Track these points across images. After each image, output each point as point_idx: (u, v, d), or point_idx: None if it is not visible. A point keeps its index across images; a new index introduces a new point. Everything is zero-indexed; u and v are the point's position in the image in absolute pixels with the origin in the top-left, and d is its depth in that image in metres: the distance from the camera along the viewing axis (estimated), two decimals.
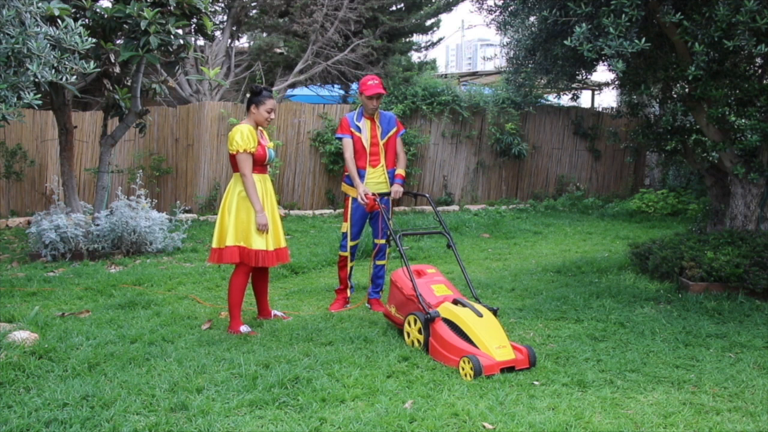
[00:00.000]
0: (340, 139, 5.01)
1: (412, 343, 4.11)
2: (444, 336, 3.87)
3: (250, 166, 4.30)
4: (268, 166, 4.59)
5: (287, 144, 11.38)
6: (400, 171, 5.09)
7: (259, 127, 4.49)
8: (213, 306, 5.19)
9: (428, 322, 3.96)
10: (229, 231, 4.30)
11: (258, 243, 4.31)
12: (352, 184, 4.99)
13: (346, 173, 5.03)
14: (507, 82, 8.94)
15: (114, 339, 4.16)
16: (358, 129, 4.97)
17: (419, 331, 4.03)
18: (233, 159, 4.33)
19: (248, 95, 4.44)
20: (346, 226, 5.08)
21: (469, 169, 12.35)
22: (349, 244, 5.08)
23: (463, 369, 3.65)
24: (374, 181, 5.01)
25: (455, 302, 4.08)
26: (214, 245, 4.40)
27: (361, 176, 4.96)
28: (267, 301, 4.80)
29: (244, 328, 4.41)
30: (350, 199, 5.04)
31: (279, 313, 4.84)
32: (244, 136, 4.28)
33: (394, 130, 5.06)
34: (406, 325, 4.18)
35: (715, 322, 4.68)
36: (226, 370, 3.65)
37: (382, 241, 5.06)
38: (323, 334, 4.34)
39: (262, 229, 4.29)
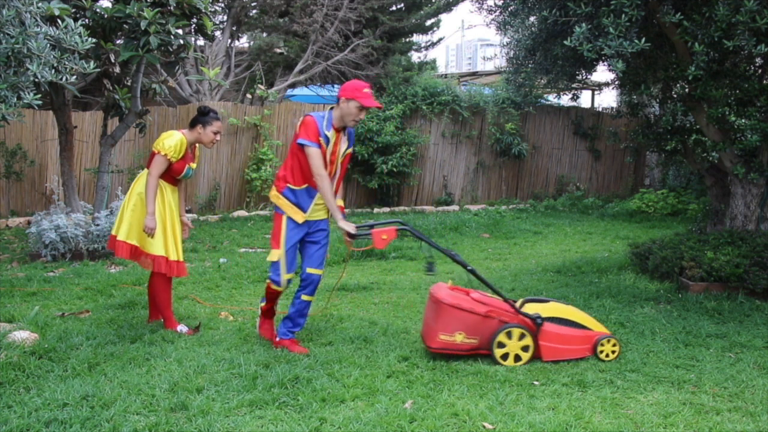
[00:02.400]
0: (303, 146, 3.87)
1: (512, 357, 3.81)
2: (560, 332, 3.85)
3: (160, 171, 4.26)
4: (181, 181, 4.52)
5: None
6: (341, 202, 4.13)
7: (198, 144, 4.50)
8: (213, 306, 5.19)
9: (539, 326, 3.85)
10: (123, 224, 4.31)
11: (158, 249, 4.27)
12: (293, 200, 3.96)
13: (287, 184, 3.96)
14: (507, 82, 8.94)
15: (114, 339, 4.16)
16: (327, 140, 3.91)
17: (523, 342, 3.81)
18: (152, 156, 4.30)
19: (196, 114, 4.39)
20: (277, 254, 3.98)
21: (469, 169, 12.35)
22: (285, 277, 4.01)
23: (602, 350, 3.83)
24: (320, 204, 4.02)
25: (526, 302, 4.04)
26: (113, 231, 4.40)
27: (312, 195, 3.97)
28: (166, 309, 4.47)
29: (182, 328, 4.39)
30: (284, 218, 3.97)
31: (183, 329, 4.43)
32: (174, 143, 4.26)
33: (351, 148, 4.11)
34: (499, 342, 3.80)
35: (715, 322, 4.68)
36: (226, 370, 3.65)
37: (319, 272, 4.10)
38: (323, 334, 4.35)
39: (149, 232, 4.22)
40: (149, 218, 4.23)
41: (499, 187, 12.60)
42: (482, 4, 6.63)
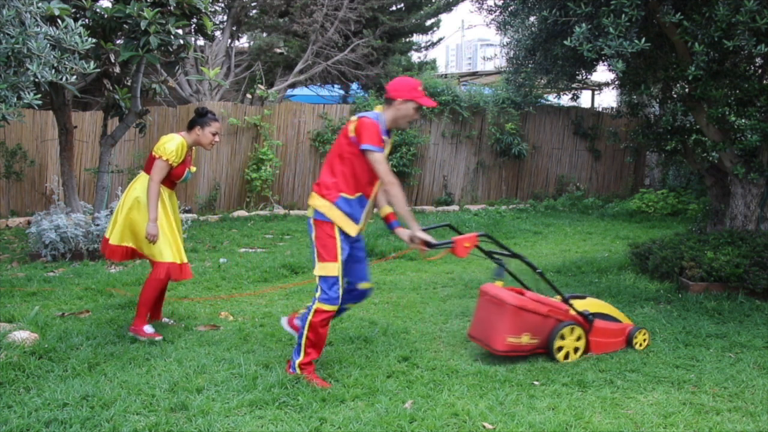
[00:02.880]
0: (368, 151, 3.41)
1: (566, 355, 3.91)
2: (604, 327, 4.06)
3: (162, 177, 4.18)
4: (177, 184, 4.47)
5: (287, 144, 11.39)
6: (390, 209, 3.81)
7: (194, 147, 4.44)
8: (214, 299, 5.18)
9: (591, 323, 4.01)
10: (116, 228, 4.24)
11: (167, 255, 4.20)
12: (348, 211, 3.51)
13: (340, 194, 3.50)
14: (507, 82, 8.95)
15: (114, 339, 4.16)
16: (386, 144, 3.54)
17: (577, 339, 3.96)
18: (151, 161, 4.21)
19: (193, 115, 4.33)
20: (336, 267, 3.48)
21: (469, 169, 12.35)
22: (340, 293, 3.51)
23: (636, 341, 4.12)
24: (367, 214, 3.65)
25: (570, 298, 4.14)
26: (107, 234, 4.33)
27: (363, 205, 3.57)
28: (144, 306, 4.32)
29: (148, 329, 4.25)
30: (336, 228, 3.50)
31: (149, 330, 4.29)
32: (175, 147, 4.18)
33: None
34: (558, 341, 3.88)
35: (715, 322, 4.68)
36: (226, 370, 3.65)
37: (371, 285, 3.85)
38: None
39: (151, 239, 4.14)
40: (151, 225, 4.13)
41: (499, 187, 12.60)
42: (482, 4, 6.63)
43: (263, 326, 4.55)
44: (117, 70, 7.24)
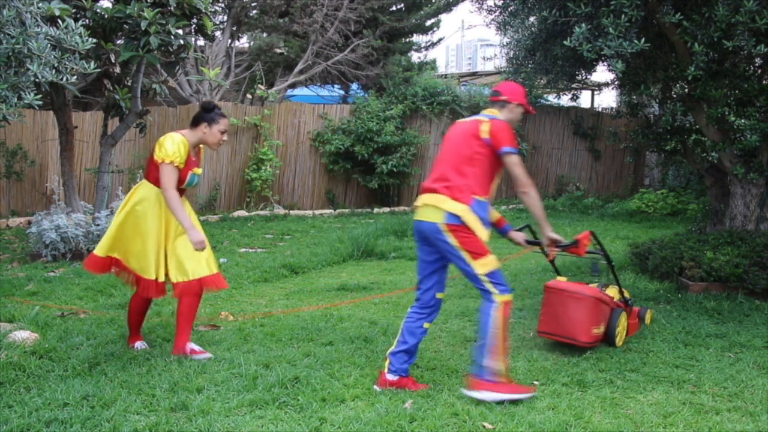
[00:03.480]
0: (511, 153, 3.35)
1: (620, 339, 4.21)
2: (634, 310, 4.48)
3: (174, 182, 3.68)
4: (186, 190, 3.99)
5: (287, 144, 11.39)
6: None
7: (200, 146, 3.97)
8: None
9: (631, 307, 4.39)
10: (105, 239, 3.83)
11: (149, 272, 3.76)
12: (481, 215, 3.39)
13: (474, 196, 3.35)
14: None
15: (114, 339, 4.17)
16: None
17: (623, 324, 4.26)
18: (153, 167, 3.75)
19: (198, 111, 3.89)
20: (492, 260, 3.38)
21: None
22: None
23: (647, 318, 4.61)
24: None
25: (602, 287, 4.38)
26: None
27: (487, 210, 3.47)
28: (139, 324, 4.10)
29: (139, 345, 3.96)
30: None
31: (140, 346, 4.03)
32: (175, 146, 3.69)
33: None
34: (618, 328, 4.14)
35: (714, 322, 4.69)
36: (226, 370, 3.65)
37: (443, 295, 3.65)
38: (323, 334, 4.35)
39: (199, 246, 3.66)
40: (191, 233, 3.65)
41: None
42: (482, 4, 6.64)
43: (263, 326, 4.56)
44: (117, 70, 7.25)
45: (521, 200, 3.52)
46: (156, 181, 3.76)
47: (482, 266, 3.33)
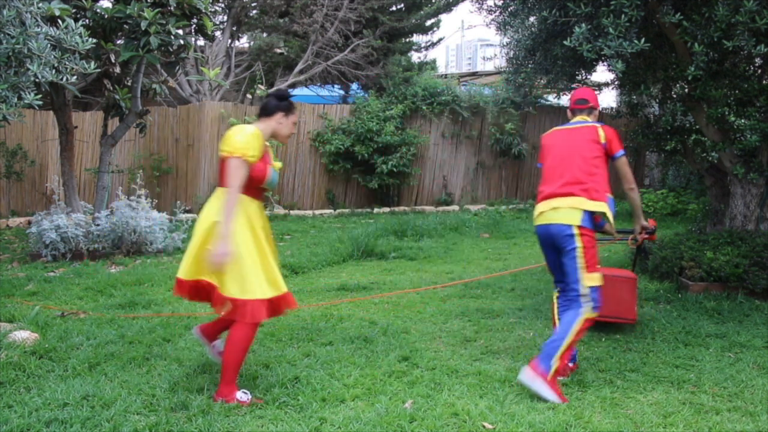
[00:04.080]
0: (624, 155, 3.69)
1: None
2: None
3: (241, 180, 3.15)
4: (264, 191, 3.47)
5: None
6: None
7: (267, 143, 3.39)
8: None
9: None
10: (188, 259, 3.25)
11: (255, 291, 3.17)
12: (614, 213, 3.60)
13: (608, 194, 3.55)
14: (507, 82, 8.94)
15: (114, 339, 4.17)
16: None
17: None
18: (223, 166, 3.21)
19: (271, 99, 3.42)
20: (600, 277, 3.50)
21: (469, 169, 12.36)
22: None
23: None
24: None
25: None
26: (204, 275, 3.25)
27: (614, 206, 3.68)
28: (236, 370, 3.31)
29: (241, 395, 3.26)
30: (595, 236, 3.58)
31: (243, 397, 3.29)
32: (246, 137, 3.17)
33: None
34: None
35: (714, 322, 4.69)
36: None
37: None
38: (323, 334, 4.35)
39: (219, 260, 3.07)
40: (223, 243, 3.06)
41: (499, 187, 12.61)
42: (482, 4, 6.64)
43: (263, 326, 4.55)
44: (117, 70, 7.25)
45: (627, 195, 3.84)
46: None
47: (590, 280, 3.49)
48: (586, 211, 3.47)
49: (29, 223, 8.59)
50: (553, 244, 3.58)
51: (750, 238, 5.56)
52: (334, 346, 4.11)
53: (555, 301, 3.78)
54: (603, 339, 4.31)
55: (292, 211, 10.92)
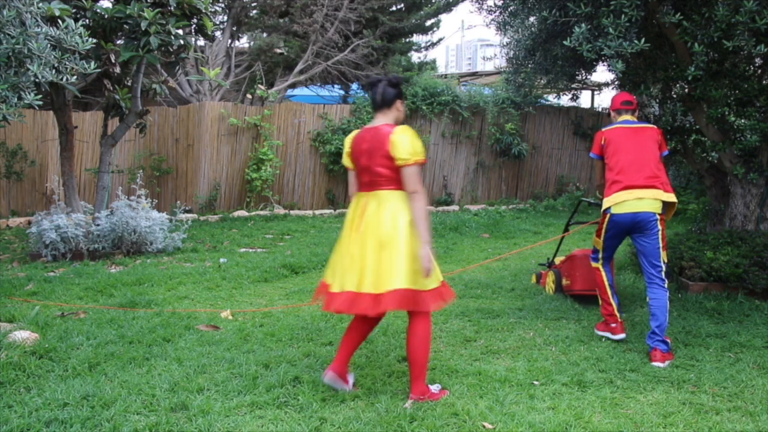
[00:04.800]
0: (668, 154, 4.54)
1: None
2: None
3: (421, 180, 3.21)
4: None
5: (287, 144, 11.39)
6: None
7: None
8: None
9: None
10: (401, 270, 3.10)
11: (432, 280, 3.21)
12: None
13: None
14: (507, 82, 8.95)
15: (114, 339, 4.17)
16: None
17: None
18: (391, 170, 3.18)
19: (388, 88, 3.30)
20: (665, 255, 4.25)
21: (469, 169, 12.36)
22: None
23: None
24: None
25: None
26: (355, 288, 3.16)
27: None
28: (425, 366, 3.32)
29: (435, 389, 3.36)
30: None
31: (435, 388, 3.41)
32: (417, 142, 3.18)
33: None
34: None
35: (714, 322, 4.69)
36: (226, 370, 3.66)
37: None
38: (323, 334, 4.35)
39: (430, 266, 3.12)
40: (427, 247, 3.12)
41: (499, 187, 12.61)
42: (482, 4, 6.63)
43: (263, 326, 4.56)
44: (117, 70, 7.25)
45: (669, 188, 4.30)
46: (364, 186, 3.29)
47: (665, 256, 4.13)
48: (663, 202, 4.14)
49: (29, 223, 8.59)
50: (632, 229, 4.16)
51: (750, 238, 5.56)
52: (334, 346, 4.11)
53: (601, 268, 4.47)
54: (603, 339, 4.31)
55: (292, 211, 10.92)
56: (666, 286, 4.06)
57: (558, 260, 5.71)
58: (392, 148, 3.16)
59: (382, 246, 3.14)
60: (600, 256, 4.47)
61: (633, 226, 4.15)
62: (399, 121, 3.35)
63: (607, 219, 4.26)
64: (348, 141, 3.39)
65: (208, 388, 3.40)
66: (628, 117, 4.46)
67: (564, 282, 5.38)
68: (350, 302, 3.16)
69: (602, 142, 4.45)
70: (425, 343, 3.24)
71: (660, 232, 4.12)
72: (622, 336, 4.26)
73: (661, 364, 3.83)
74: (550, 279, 5.63)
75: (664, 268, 4.10)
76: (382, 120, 3.31)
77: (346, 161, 3.40)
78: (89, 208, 7.65)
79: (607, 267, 4.49)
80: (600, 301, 4.46)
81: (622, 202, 4.13)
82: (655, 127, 4.34)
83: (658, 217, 4.12)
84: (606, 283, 4.43)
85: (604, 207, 4.28)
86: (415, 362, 3.25)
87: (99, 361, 3.78)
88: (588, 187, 12.94)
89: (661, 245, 4.12)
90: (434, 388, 3.38)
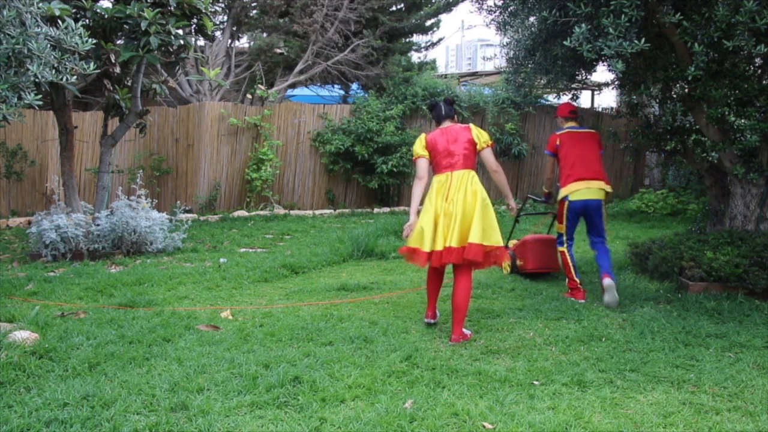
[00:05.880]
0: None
1: None
2: None
3: None
4: None
5: (287, 144, 11.40)
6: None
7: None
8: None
9: None
10: (477, 230, 4.16)
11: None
12: None
13: None
14: (507, 82, 8.95)
15: (114, 339, 4.17)
16: None
17: None
18: (471, 153, 4.42)
19: (448, 105, 4.59)
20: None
21: None
22: None
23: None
24: None
25: None
26: (475, 239, 4.15)
27: None
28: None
29: (467, 332, 4.34)
30: None
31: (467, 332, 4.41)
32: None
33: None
34: None
35: (714, 322, 4.68)
36: (226, 370, 3.66)
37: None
38: (323, 334, 4.35)
39: (515, 208, 4.88)
40: (513, 202, 4.76)
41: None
42: (482, 4, 6.63)
43: (263, 326, 4.56)
44: (117, 70, 7.25)
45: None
46: (443, 168, 4.42)
47: (607, 228, 5.45)
48: (606, 191, 5.32)
49: (29, 223, 8.59)
50: (584, 212, 5.28)
51: (750, 238, 5.56)
52: (334, 346, 4.11)
53: (566, 251, 5.41)
54: (603, 339, 4.31)
55: (292, 211, 10.92)
56: (607, 244, 5.35)
57: (512, 244, 6.49)
58: (475, 136, 4.43)
59: (465, 212, 4.21)
60: (564, 239, 5.40)
61: (585, 209, 5.26)
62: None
63: (566, 206, 5.31)
64: (423, 138, 4.50)
65: (208, 388, 3.40)
66: (573, 123, 5.54)
67: (518, 263, 6.24)
68: (444, 255, 4.19)
69: (557, 143, 5.50)
70: (468, 295, 4.26)
71: (604, 213, 5.33)
72: (583, 301, 5.20)
73: (610, 280, 5.07)
74: (506, 262, 6.10)
75: (606, 237, 5.38)
76: (449, 125, 4.53)
77: (421, 152, 4.47)
78: (89, 208, 7.65)
79: (571, 250, 5.41)
80: (566, 279, 5.43)
81: (576, 191, 5.24)
82: (596, 131, 5.55)
83: (603, 201, 5.28)
84: (570, 264, 5.36)
85: (561, 196, 5.34)
86: (459, 310, 4.23)
87: (99, 361, 3.78)
88: None
89: (604, 221, 5.36)
90: (467, 332, 4.31)
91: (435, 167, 4.46)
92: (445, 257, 4.18)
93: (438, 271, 4.51)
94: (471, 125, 4.49)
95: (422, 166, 4.46)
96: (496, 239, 4.21)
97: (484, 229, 4.16)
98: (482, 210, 4.21)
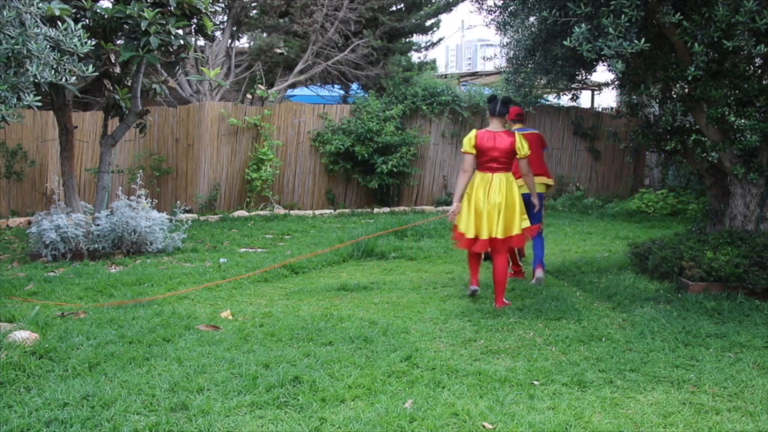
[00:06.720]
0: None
1: None
2: None
3: None
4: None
5: (287, 144, 11.40)
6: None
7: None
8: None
9: None
10: (517, 222, 5.07)
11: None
12: None
13: None
14: (507, 82, 8.96)
15: (114, 339, 4.17)
16: None
17: None
18: (509, 160, 5.09)
19: (503, 105, 5.13)
20: None
21: None
22: None
23: None
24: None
25: None
26: (514, 231, 5.07)
27: None
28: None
29: (506, 301, 5.18)
30: None
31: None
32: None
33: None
34: None
35: (714, 322, 4.68)
36: (226, 370, 3.66)
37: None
38: (323, 334, 4.35)
39: (541, 204, 5.69)
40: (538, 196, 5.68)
41: None
42: (482, 4, 6.64)
43: (263, 326, 4.56)
44: (117, 70, 7.25)
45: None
46: (486, 168, 5.13)
47: (544, 216, 6.26)
48: (549, 185, 6.09)
49: (29, 223, 8.60)
50: (529, 201, 5.55)
51: (750, 238, 5.56)
52: (334, 346, 4.11)
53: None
54: (603, 339, 4.31)
55: (292, 211, 10.92)
56: (543, 234, 5.98)
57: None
58: (517, 147, 5.09)
59: (507, 207, 5.02)
60: None
61: (529, 200, 5.65)
62: (503, 126, 5.21)
63: None
64: (473, 135, 5.10)
65: (208, 388, 3.40)
66: (520, 125, 6.03)
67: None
68: (485, 244, 5.08)
69: None
70: (506, 271, 5.15)
71: (544, 204, 6.17)
72: (522, 278, 6.07)
73: (541, 273, 5.79)
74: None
75: (542, 227, 5.98)
76: (497, 124, 5.14)
77: (469, 149, 5.09)
78: (89, 208, 7.65)
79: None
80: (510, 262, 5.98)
81: (522, 185, 5.59)
82: (540, 132, 6.21)
83: (544, 193, 5.98)
84: (515, 251, 6.12)
85: None
86: (499, 283, 5.09)
87: (99, 361, 3.78)
88: (588, 187, 12.95)
89: (543, 210, 5.94)
90: (507, 301, 5.13)
91: (479, 165, 5.13)
92: (489, 245, 5.07)
93: (478, 253, 5.32)
94: (516, 135, 5.12)
95: (468, 161, 5.12)
96: (526, 223, 5.17)
97: (522, 219, 5.11)
98: (520, 205, 5.09)
